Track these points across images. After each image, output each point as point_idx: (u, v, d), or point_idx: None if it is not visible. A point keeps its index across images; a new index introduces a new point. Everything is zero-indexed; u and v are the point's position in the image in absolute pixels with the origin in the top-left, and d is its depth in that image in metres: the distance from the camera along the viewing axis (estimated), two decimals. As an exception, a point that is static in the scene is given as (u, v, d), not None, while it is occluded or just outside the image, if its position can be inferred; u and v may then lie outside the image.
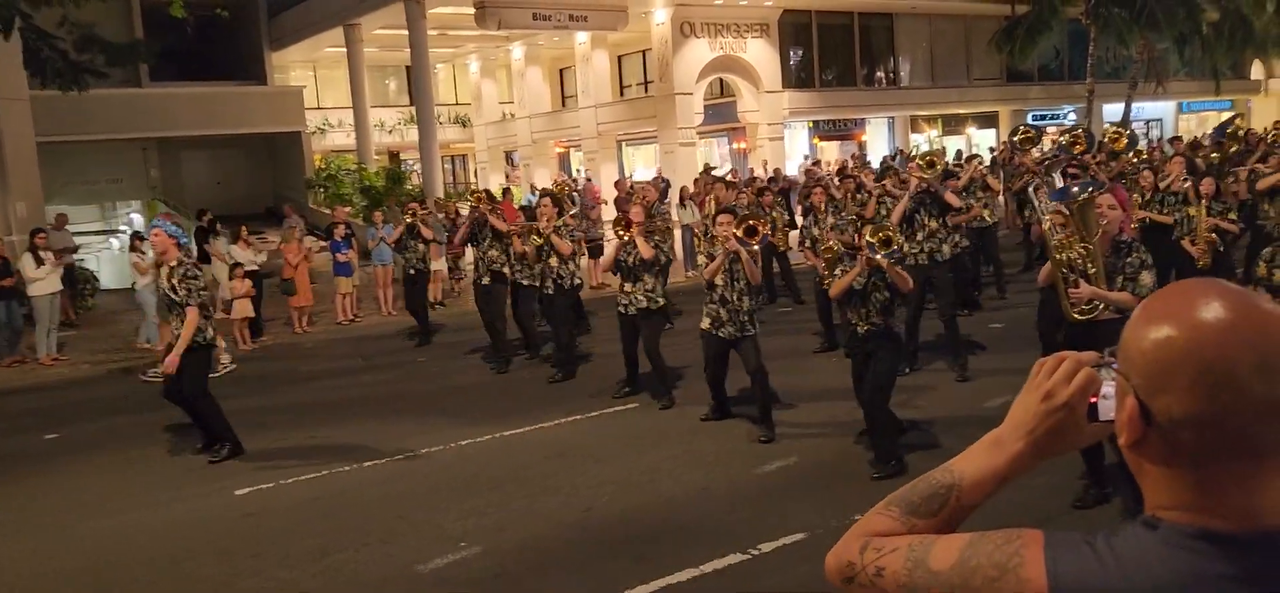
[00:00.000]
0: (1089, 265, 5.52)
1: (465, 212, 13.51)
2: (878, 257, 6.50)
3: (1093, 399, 1.20)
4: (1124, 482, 5.58)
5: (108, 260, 24.39)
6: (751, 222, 7.72)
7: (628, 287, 8.87)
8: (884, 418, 6.75)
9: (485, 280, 11.07)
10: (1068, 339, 5.80)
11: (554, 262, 10.18)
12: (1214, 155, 14.39)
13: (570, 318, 10.60)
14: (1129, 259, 5.50)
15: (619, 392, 9.29)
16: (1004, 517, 1.55)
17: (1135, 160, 14.09)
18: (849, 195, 12.29)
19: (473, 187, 26.69)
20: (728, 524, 6.01)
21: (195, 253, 15.67)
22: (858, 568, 1.30)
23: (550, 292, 10.34)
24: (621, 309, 8.99)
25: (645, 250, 8.71)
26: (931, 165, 9.75)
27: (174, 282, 7.83)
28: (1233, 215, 10.23)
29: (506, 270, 11.06)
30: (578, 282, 10.48)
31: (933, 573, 1.21)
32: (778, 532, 5.76)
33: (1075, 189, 5.75)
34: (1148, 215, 10.34)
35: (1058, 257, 5.63)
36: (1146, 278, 5.47)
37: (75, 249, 16.77)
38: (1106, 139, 12.98)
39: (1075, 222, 5.60)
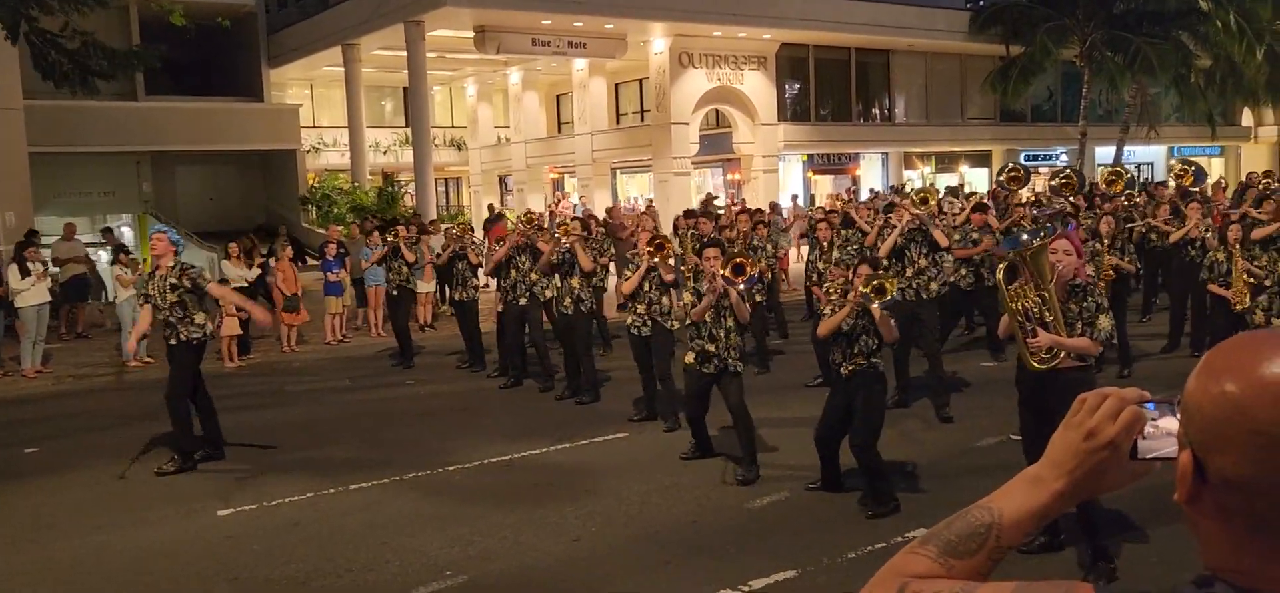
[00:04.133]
0: (1046, 313, 5.44)
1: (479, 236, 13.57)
2: (872, 304, 6.40)
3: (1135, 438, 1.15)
4: (1083, 532, 5.50)
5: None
6: (739, 259, 7.56)
7: (640, 308, 8.94)
8: (875, 460, 6.66)
9: (523, 301, 10.91)
10: (1024, 392, 5.71)
11: (576, 282, 10.16)
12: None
13: (588, 340, 10.59)
14: (1085, 303, 5.43)
15: (638, 415, 9.32)
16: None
17: (1126, 203, 14.18)
18: (834, 231, 12.15)
19: (498, 208, 26.58)
20: (718, 559, 5.92)
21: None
22: None
23: (568, 312, 10.30)
24: (635, 332, 9.08)
25: (666, 274, 8.90)
26: (924, 201, 9.75)
27: (173, 279, 8.03)
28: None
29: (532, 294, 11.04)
30: (591, 305, 10.53)
31: None
32: (769, 569, 5.67)
33: (1025, 238, 5.68)
34: (1115, 262, 10.35)
35: (1012, 306, 5.55)
36: (1104, 321, 5.40)
37: (84, 257, 16.58)
38: (1102, 181, 13.06)
39: (1029, 269, 5.53)
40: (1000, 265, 5.89)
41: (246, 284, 13.96)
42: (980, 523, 1.25)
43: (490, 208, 25.06)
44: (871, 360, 6.61)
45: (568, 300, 10.22)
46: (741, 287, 7.36)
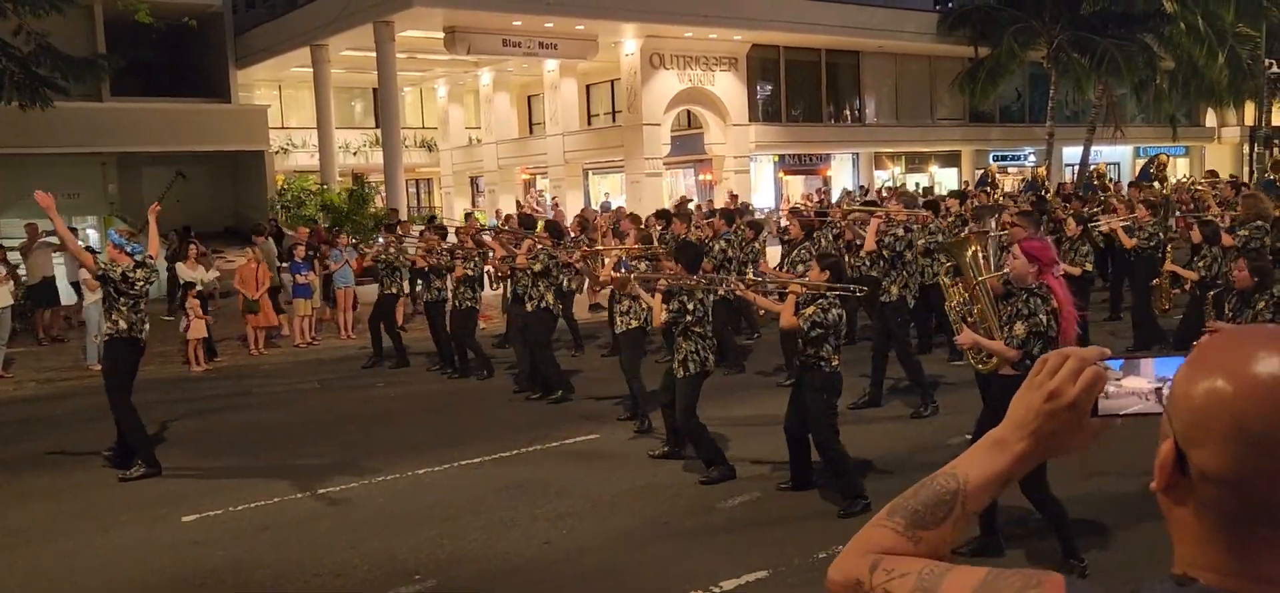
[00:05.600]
0: (968, 314, 5.35)
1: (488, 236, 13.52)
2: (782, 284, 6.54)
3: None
4: (1055, 532, 5.51)
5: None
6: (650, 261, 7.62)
7: (626, 304, 9.01)
8: (835, 455, 6.66)
9: (542, 306, 10.61)
10: (981, 388, 5.73)
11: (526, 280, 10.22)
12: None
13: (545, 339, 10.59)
14: (1016, 306, 5.28)
15: (625, 414, 9.32)
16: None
17: (1103, 199, 14.41)
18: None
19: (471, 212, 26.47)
20: (689, 561, 5.92)
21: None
22: (866, 588, 1.24)
23: (529, 311, 10.28)
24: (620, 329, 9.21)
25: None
26: (873, 205, 9.89)
27: (118, 275, 7.89)
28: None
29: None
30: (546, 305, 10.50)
31: None
32: (740, 569, 5.67)
33: (941, 239, 5.67)
34: (1064, 267, 10.49)
35: (947, 304, 5.53)
36: (1019, 328, 5.24)
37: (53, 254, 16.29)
38: (1095, 178, 13.29)
39: (955, 264, 5.53)
40: (946, 264, 5.91)
41: (205, 287, 13.86)
42: (946, 490, 1.25)
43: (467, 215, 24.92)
44: (818, 356, 6.60)
45: (529, 302, 10.23)
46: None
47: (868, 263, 9.69)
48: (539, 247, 10.48)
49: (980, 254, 5.61)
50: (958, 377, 10.51)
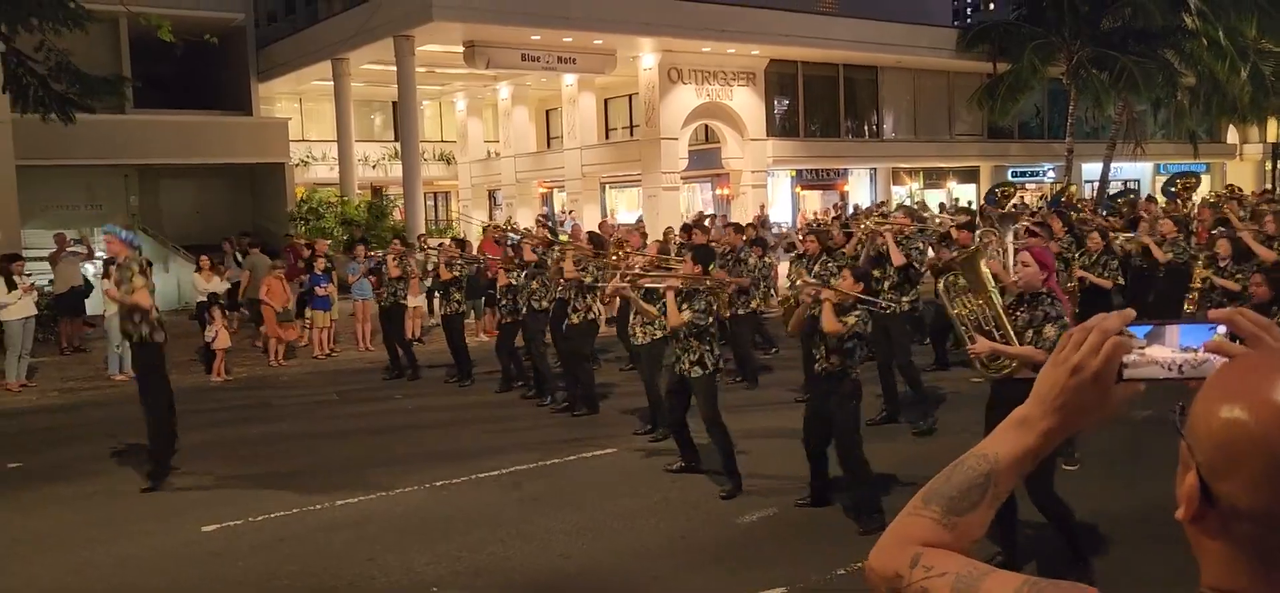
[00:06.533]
0: (985, 322, 5.42)
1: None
2: (816, 291, 6.54)
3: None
4: (1066, 543, 5.50)
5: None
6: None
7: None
8: (858, 467, 6.65)
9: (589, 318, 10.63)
10: (991, 397, 5.74)
11: (572, 293, 10.25)
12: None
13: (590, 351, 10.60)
14: (1035, 312, 5.37)
15: (643, 428, 9.30)
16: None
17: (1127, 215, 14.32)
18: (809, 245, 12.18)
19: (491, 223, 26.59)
20: (706, 577, 5.90)
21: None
22: (905, 582, 1.24)
23: (575, 323, 10.32)
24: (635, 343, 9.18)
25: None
26: (884, 216, 9.85)
27: (117, 271, 8.05)
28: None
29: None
30: (593, 316, 10.49)
31: None
32: (758, 585, 5.65)
33: (954, 253, 5.71)
34: (1088, 277, 10.39)
35: (953, 312, 5.57)
36: (1050, 330, 5.30)
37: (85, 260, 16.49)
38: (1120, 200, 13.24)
39: (967, 276, 5.56)
40: (945, 275, 5.91)
41: (218, 296, 13.99)
42: (978, 473, 1.25)
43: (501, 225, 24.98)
44: (843, 364, 6.60)
45: (574, 314, 10.26)
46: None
47: (896, 277, 9.64)
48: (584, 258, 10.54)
49: (990, 264, 5.65)
50: (972, 392, 10.46)
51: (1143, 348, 1.17)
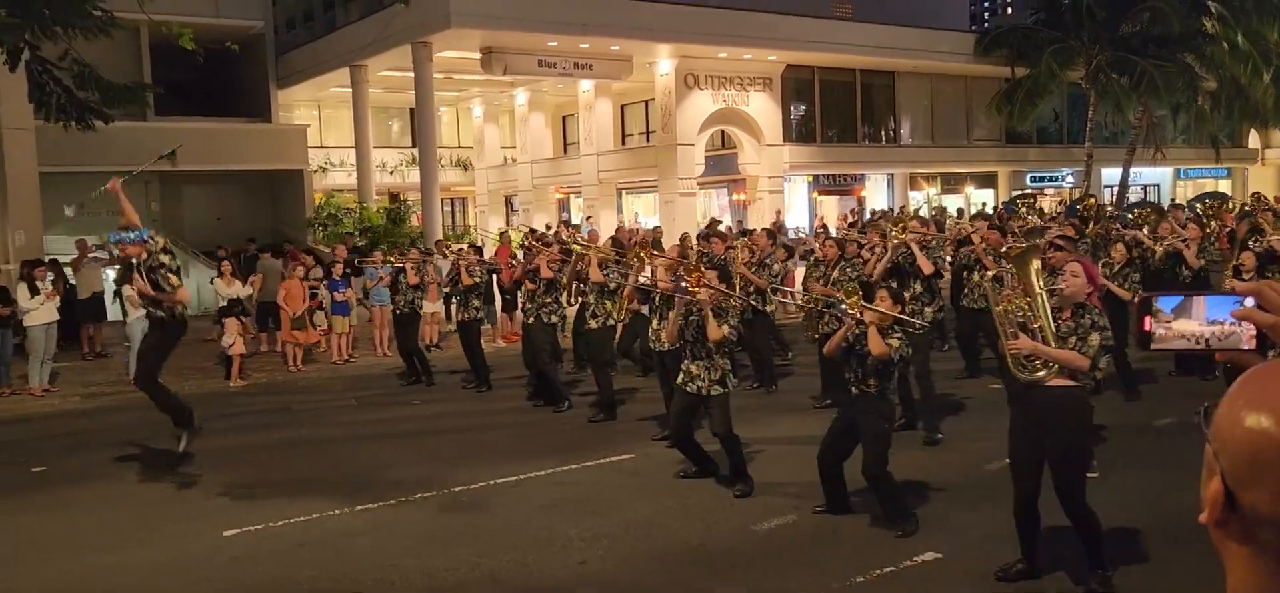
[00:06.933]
0: (1031, 321, 5.43)
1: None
2: (858, 313, 6.48)
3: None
4: (1086, 550, 5.48)
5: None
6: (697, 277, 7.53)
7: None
8: (887, 486, 6.62)
9: (609, 323, 10.70)
10: (1015, 406, 5.71)
11: (592, 298, 10.26)
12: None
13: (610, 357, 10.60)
14: (1081, 320, 5.36)
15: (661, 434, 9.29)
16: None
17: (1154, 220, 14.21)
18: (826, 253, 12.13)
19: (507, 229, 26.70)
20: (724, 583, 5.89)
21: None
22: None
23: (593, 327, 10.34)
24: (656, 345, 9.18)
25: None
26: (903, 228, 9.76)
27: (144, 272, 8.11)
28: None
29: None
30: (613, 321, 10.49)
31: None
32: (776, 592, 5.64)
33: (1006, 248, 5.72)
34: (1109, 286, 10.34)
35: (997, 309, 5.56)
36: (1095, 338, 5.29)
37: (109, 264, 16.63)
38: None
39: (1016, 275, 5.58)
40: (988, 273, 5.91)
41: (240, 300, 14.10)
42: None
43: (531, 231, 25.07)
44: (881, 386, 6.58)
45: (593, 320, 10.27)
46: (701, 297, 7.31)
47: (918, 287, 9.58)
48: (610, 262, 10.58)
49: (1040, 268, 5.66)
50: (991, 400, 10.41)
51: (1170, 322, 1.18)
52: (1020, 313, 5.43)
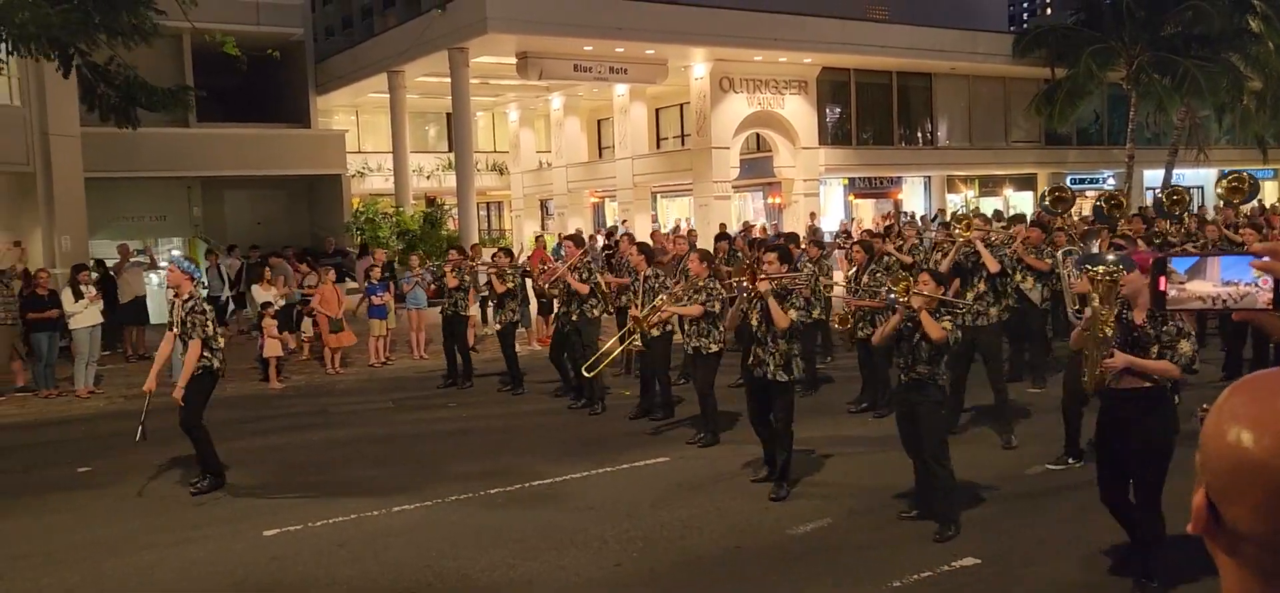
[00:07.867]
0: (1105, 329, 5.39)
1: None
2: (908, 300, 6.48)
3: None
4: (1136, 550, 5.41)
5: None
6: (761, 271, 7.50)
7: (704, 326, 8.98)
8: (946, 475, 6.54)
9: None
10: (1102, 413, 5.65)
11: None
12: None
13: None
14: (1165, 328, 5.33)
15: (698, 437, 9.30)
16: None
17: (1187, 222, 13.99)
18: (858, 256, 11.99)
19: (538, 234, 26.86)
20: (759, 587, 5.87)
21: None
22: None
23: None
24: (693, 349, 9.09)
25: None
26: (968, 225, 9.60)
27: (183, 314, 8.25)
28: None
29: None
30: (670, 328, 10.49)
31: None
32: (812, 597, 5.61)
33: (1110, 259, 5.61)
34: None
35: (1083, 334, 5.49)
36: (1185, 346, 5.32)
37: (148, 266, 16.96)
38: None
39: (1102, 295, 5.49)
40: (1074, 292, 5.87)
41: (281, 303, 14.28)
42: None
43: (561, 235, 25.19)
44: (933, 372, 6.55)
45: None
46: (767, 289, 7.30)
47: (982, 286, 9.41)
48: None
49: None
50: (1029, 405, 10.28)
51: (1183, 283, 1.19)
52: (1112, 331, 5.40)
